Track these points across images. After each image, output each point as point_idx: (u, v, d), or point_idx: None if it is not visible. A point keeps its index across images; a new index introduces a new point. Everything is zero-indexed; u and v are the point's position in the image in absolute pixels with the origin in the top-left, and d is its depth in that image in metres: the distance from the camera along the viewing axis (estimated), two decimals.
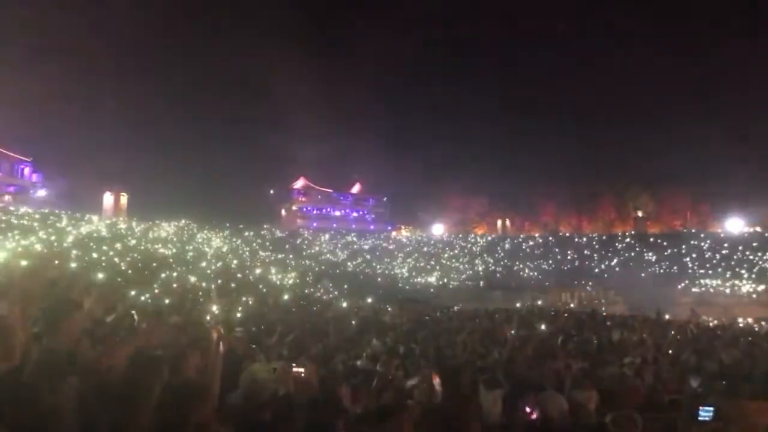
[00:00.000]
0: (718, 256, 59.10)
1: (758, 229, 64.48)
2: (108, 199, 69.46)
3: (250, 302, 21.19)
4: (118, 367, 3.19)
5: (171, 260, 37.45)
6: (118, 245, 38.94)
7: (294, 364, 4.66)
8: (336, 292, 40.07)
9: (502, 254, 70.85)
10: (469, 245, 75.51)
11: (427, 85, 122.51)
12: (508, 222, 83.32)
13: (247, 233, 66.18)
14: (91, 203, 65.08)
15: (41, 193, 63.43)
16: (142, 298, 14.75)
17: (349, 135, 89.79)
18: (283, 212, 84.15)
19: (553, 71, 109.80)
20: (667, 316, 28.00)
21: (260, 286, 32.10)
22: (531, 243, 73.78)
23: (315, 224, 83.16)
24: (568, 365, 10.25)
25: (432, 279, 61.74)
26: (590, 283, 53.46)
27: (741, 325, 28.13)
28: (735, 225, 65.87)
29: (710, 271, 56.09)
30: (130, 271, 27.25)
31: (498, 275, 63.21)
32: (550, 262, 66.06)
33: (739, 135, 69.28)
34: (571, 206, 79.33)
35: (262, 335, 11.09)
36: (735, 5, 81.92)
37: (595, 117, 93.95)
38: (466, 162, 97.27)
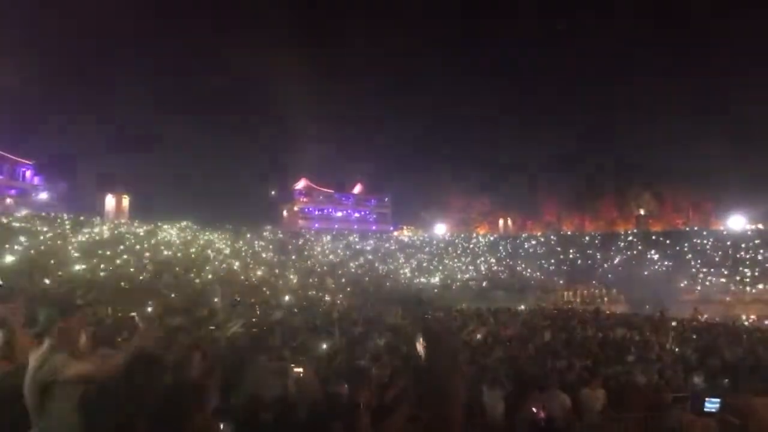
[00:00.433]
0: (720, 254, 59.01)
1: (761, 226, 64.39)
2: (110, 201, 69.49)
3: (253, 304, 21.22)
4: (119, 368, 3.18)
5: (174, 262, 37.49)
6: (121, 247, 39.00)
7: (293, 365, 4.66)
8: (340, 294, 40.05)
9: (504, 254, 70.79)
10: (471, 245, 75.47)
11: (428, 85, 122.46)
12: (510, 221, 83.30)
13: (248, 234, 66.17)
14: (93, 205, 65.19)
15: (43, 195, 63.48)
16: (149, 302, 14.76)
17: (350, 135, 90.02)
18: (285, 213, 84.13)
19: (555, 70, 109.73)
20: (669, 314, 28.02)
21: (262, 288, 32.11)
22: (533, 242, 73.71)
23: (317, 225, 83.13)
24: (571, 364, 10.27)
25: (435, 279, 61.67)
26: (593, 282, 53.36)
27: (743, 323, 28.12)
28: (737, 222, 65.79)
29: (712, 269, 55.97)
30: (132, 269, 27.28)
31: (500, 275, 63.13)
32: (553, 261, 65.97)
33: (740, 132, 69.18)
34: (573, 205, 79.33)
35: (264, 336, 11.09)
36: (736, 4, 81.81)
37: (597, 116, 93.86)
38: (468, 162, 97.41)
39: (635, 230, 72.51)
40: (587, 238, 72.26)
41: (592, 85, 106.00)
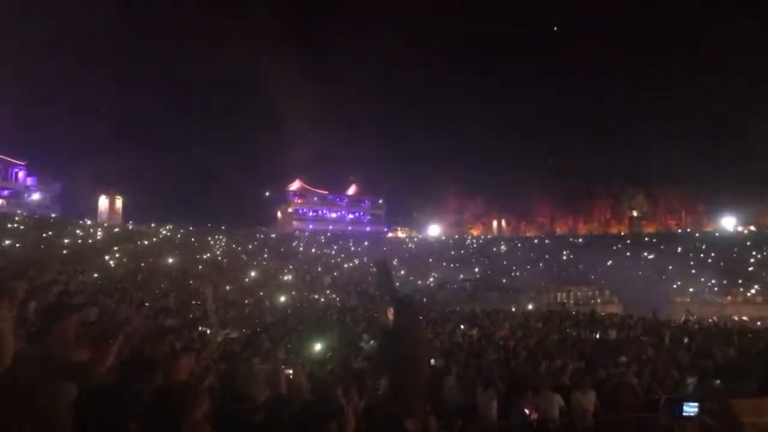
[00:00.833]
0: (713, 255, 59.29)
1: (752, 228, 64.77)
2: (103, 202, 69.20)
3: (247, 305, 21.16)
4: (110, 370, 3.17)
5: (167, 264, 37.32)
6: (114, 249, 38.80)
7: (284, 367, 4.65)
8: (334, 295, 39.99)
9: (498, 255, 70.90)
10: (465, 246, 75.58)
11: (423, 87, 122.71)
12: (503, 223, 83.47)
13: (242, 236, 66.01)
14: (86, 207, 64.93)
15: (35, 196, 63.16)
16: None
17: (344, 137, 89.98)
18: (279, 214, 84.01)
19: (549, 73, 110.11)
20: (662, 316, 28.10)
21: (256, 289, 32.00)
22: (527, 243, 73.92)
23: (311, 226, 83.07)
24: (565, 365, 10.29)
25: (428, 280, 61.65)
26: (586, 284, 53.47)
27: (735, 324, 28.23)
28: (729, 224, 66.17)
29: (705, 271, 56.23)
30: (125, 273, 27.13)
31: (494, 276, 63.19)
32: (546, 262, 66.13)
33: (732, 135, 69.60)
34: (567, 207, 79.60)
35: (258, 338, 11.07)
36: (730, 6, 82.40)
37: (591, 118, 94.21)
38: (462, 163, 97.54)
39: (628, 232, 72.82)
40: (581, 239, 72.49)
41: (585, 88, 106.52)
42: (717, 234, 65.26)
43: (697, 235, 66.44)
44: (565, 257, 66.79)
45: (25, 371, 3.35)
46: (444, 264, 68.55)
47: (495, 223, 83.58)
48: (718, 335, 17.55)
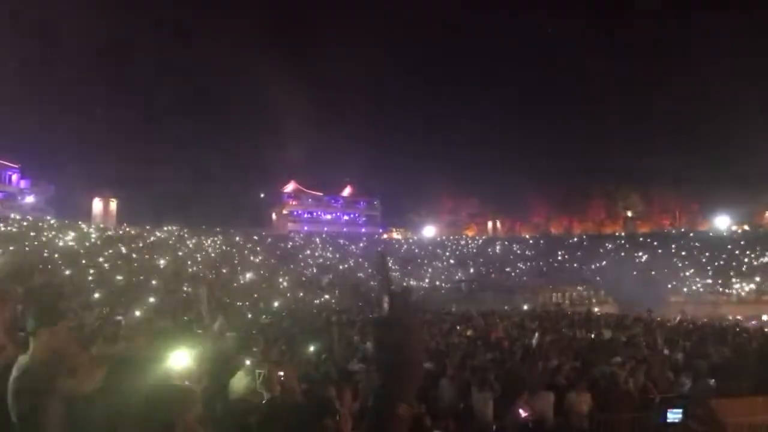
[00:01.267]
0: (707, 254, 59.51)
1: (746, 227, 65.04)
2: (97, 204, 68.98)
3: (241, 306, 21.15)
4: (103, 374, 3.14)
5: (161, 266, 37.23)
6: (109, 252, 38.71)
7: (277, 368, 4.64)
8: (326, 295, 39.98)
9: (493, 255, 71.01)
10: (460, 247, 75.66)
11: (417, 88, 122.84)
12: (498, 223, 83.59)
13: (237, 238, 65.93)
14: (81, 209, 64.71)
15: (29, 199, 62.86)
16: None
17: (339, 138, 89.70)
18: (274, 216, 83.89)
19: (544, 73, 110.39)
20: (656, 315, 28.16)
21: (251, 291, 31.98)
22: (522, 244, 74.05)
23: (306, 228, 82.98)
24: (560, 365, 10.29)
25: (424, 281, 61.70)
26: (581, 284, 53.59)
27: (730, 323, 28.32)
28: (723, 223, 66.44)
29: (699, 270, 56.44)
30: (119, 277, 27.05)
31: (490, 276, 63.27)
32: (541, 262, 66.28)
33: (726, 135, 69.82)
34: (562, 207, 79.77)
35: (253, 339, 11.03)
36: (726, 6, 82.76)
37: (585, 118, 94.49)
38: (457, 164, 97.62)
39: (623, 232, 73.04)
40: (575, 239, 72.67)
41: (580, 87, 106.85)
42: (711, 234, 65.51)
43: (691, 234, 66.68)
44: (560, 257, 66.94)
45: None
46: (439, 265, 68.65)
47: (490, 224, 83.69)
48: (712, 335, 17.61)
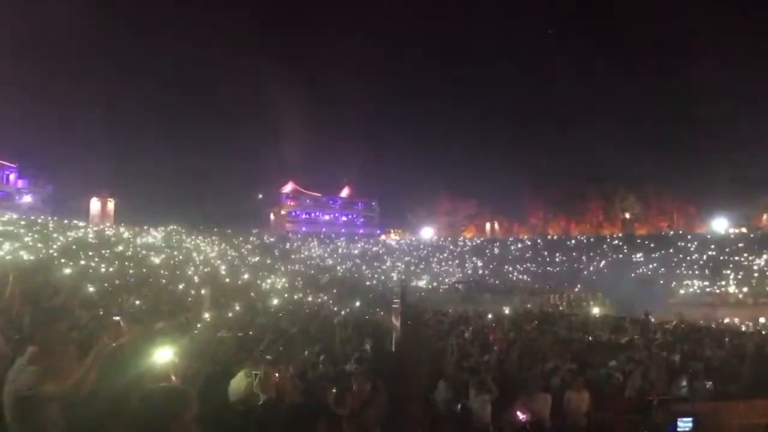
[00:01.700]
0: (704, 257, 59.58)
1: (744, 230, 65.15)
2: (95, 204, 68.92)
3: (239, 308, 21.05)
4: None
5: (160, 266, 37.15)
6: (106, 252, 38.57)
7: (273, 369, 4.64)
8: (323, 296, 39.89)
9: (491, 257, 71.06)
10: (458, 248, 75.72)
11: (415, 89, 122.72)
12: (496, 225, 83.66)
13: (235, 238, 65.88)
14: (78, 209, 64.60)
15: (27, 199, 62.78)
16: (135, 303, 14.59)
17: (337, 139, 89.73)
18: (272, 217, 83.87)
19: (541, 75, 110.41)
20: (653, 318, 28.17)
21: (249, 292, 31.89)
22: (520, 245, 74.13)
23: (304, 229, 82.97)
24: (557, 366, 10.30)
25: (421, 282, 61.72)
26: (578, 285, 53.66)
27: (727, 326, 28.37)
28: (720, 225, 66.53)
29: (697, 273, 56.51)
30: (117, 280, 26.96)
31: (487, 278, 63.32)
32: (539, 264, 66.36)
33: (724, 137, 69.92)
34: (560, 209, 79.84)
35: (250, 341, 11.00)
36: (724, 11, 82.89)
37: (583, 120, 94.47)
38: (455, 166, 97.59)
39: (621, 234, 73.12)
40: (573, 241, 72.76)
41: (578, 89, 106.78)
42: (709, 236, 65.60)
43: (689, 236, 66.78)
44: (557, 259, 67.01)
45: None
46: (437, 266, 68.70)
47: (488, 225, 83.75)
48: (709, 337, 17.63)
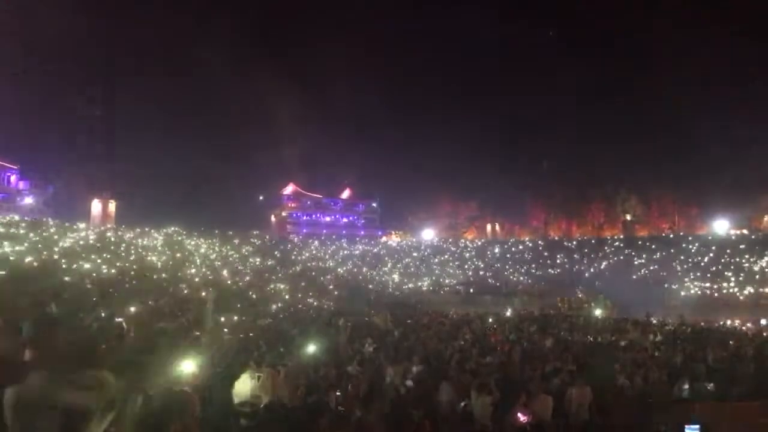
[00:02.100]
0: (706, 259, 59.48)
1: (745, 231, 65.05)
2: (96, 206, 68.94)
3: (241, 310, 21.10)
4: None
5: (161, 268, 37.20)
6: (108, 254, 38.60)
7: (274, 370, 4.65)
8: (324, 298, 39.93)
9: (492, 259, 71.01)
10: (459, 250, 75.66)
11: (416, 91, 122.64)
12: (497, 226, 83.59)
13: (236, 240, 65.88)
14: (79, 211, 64.58)
15: (28, 200, 62.86)
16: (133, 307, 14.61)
17: (338, 140, 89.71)
18: (273, 218, 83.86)
19: (541, 76, 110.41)
20: (655, 320, 28.17)
21: (250, 294, 31.93)
22: (521, 247, 74.06)
23: (305, 230, 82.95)
24: (558, 368, 10.31)
25: (422, 284, 61.69)
26: (579, 287, 53.59)
27: (728, 327, 28.33)
28: (722, 227, 66.44)
29: (698, 274, 56.40)
30: (117, 278, 27.01)
31: (488, 280, 63.28)
32: (540, 266, 66.29)
33: (725, 138, 69.83)
34: (560, 210, 79.76)
35: (252, 342, 11.04)
36: (725, 14, 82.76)
37: (584, 121, 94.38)
38: (456, 167, 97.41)
39: (622, 236, 73.04)
40: (574, 243, 72.67)
41: (578, 91, 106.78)
42: (710, 237, 65.50)
43: (690, 238, 66.67)
44: (559, 261, 66.95)
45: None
46: (438, 267, 68.64)
47: (489, 227, 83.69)
48: (710, 339, 17.62)
